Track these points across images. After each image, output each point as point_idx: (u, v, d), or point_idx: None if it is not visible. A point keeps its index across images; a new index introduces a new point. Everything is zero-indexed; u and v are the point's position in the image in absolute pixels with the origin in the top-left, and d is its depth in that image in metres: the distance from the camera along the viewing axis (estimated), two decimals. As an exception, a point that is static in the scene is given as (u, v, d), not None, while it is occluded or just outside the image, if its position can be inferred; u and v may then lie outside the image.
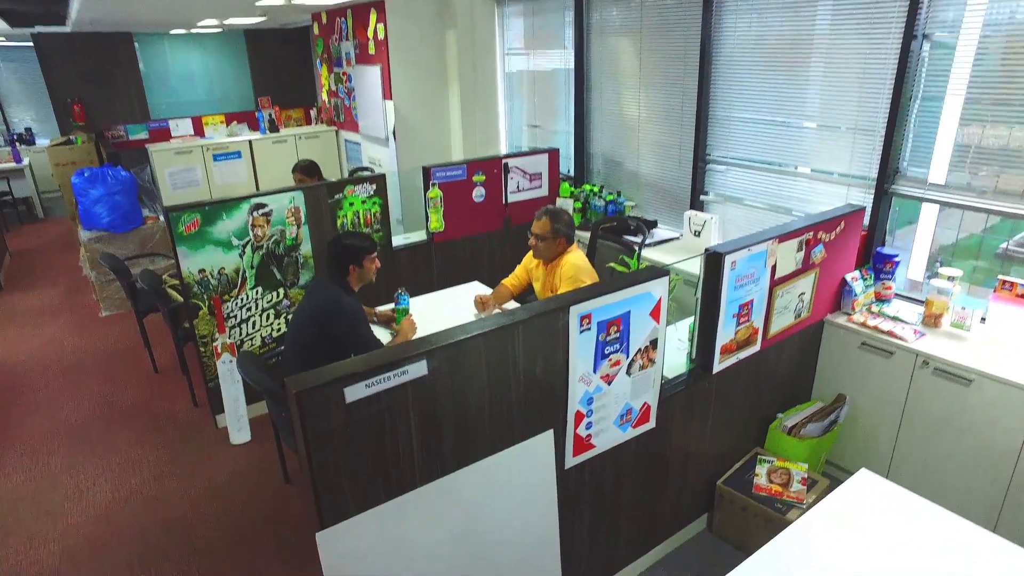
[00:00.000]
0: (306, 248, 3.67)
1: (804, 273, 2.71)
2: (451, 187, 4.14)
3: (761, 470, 2.74)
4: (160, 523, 2.97)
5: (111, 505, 3.09)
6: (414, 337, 2.93)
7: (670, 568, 2.64)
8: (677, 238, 4.12)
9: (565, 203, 4.56)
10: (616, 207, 4.45)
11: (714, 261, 2.34)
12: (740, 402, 2.74)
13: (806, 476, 2.69)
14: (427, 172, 4.03)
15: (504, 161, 4.36)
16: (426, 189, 4.07)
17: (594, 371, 2.03)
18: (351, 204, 3.77)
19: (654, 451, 2.40)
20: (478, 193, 4.29)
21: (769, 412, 2.94)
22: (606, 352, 2.04)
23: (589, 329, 1.95)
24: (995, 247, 2.89)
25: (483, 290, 3.48)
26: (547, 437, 2.01)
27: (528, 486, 2.02)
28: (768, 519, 2.56)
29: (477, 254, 4.46)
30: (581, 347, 1.96)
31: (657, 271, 2.11)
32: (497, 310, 3.21)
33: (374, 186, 3.82)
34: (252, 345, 3.62)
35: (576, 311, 1.89)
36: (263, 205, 3.45)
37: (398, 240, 4.19)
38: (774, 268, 2.56)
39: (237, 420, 3.52)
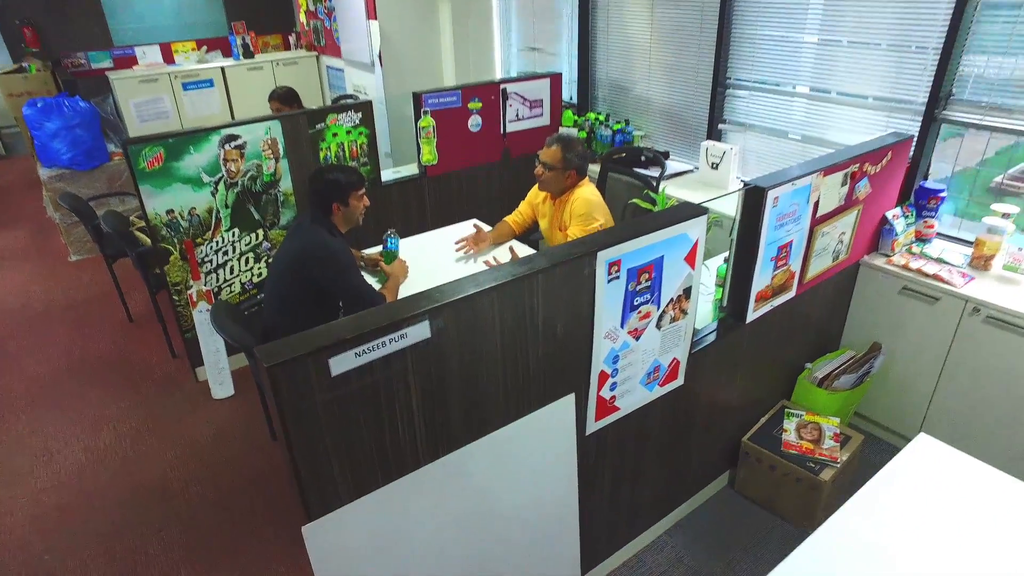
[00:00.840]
0: (286, 184, 3.31)
1: (847, 210, 2.41)
2: (444, 116, 3.75)
3: (789, 425, 2.53)
4: (137, 487, 2.74)
5: (83, 468, 2.85)
6: (405, 280, 2.65)
7: (692, 530, 2.46)
8: (692, 171, 3.78)
9: (568, 132, 4.17)
10: (625, 137, 4.09)
11: (754, 197, 2.03)
12: (770, 353, 2.49)
13: (838, 432, 2.48)
14: (418, 99, 3.63)
15: (502, 86, 3.95)
16: (417, 118, 3.67)
17: (621, 325, 1.75)
18: (334, 135, 3.39)
19: (680, 410, 2.16)
20: (474, 122, 3.90)
21: (797, 362, 2.70)
22: (635, 303, 1.75)
23: (618, 278, 1.66)
24: (1055, 179, 2.60)
25: (482, 229, 3.17)
26: (568, 402, 1.75)
27: (545, 457, 1.78)
28: (798, 478, 2.36)
29: (474, 189, 4.11)
30: (608, 298, 1.67)
31: (695, 208, 1.80)
32: (494, 252, 2.90)
33: (359, 114, 3.43)
34: (231, 292, 3.32)
35: (604, 257, 1.60)
36: (235, 137, 3.07)
37: (387, 175, 3.83)
38: (816, 205, 2.26)
39: (218, 373, 3.25)
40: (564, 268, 1.53)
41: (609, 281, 1.64)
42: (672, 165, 3.84)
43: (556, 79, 4.18)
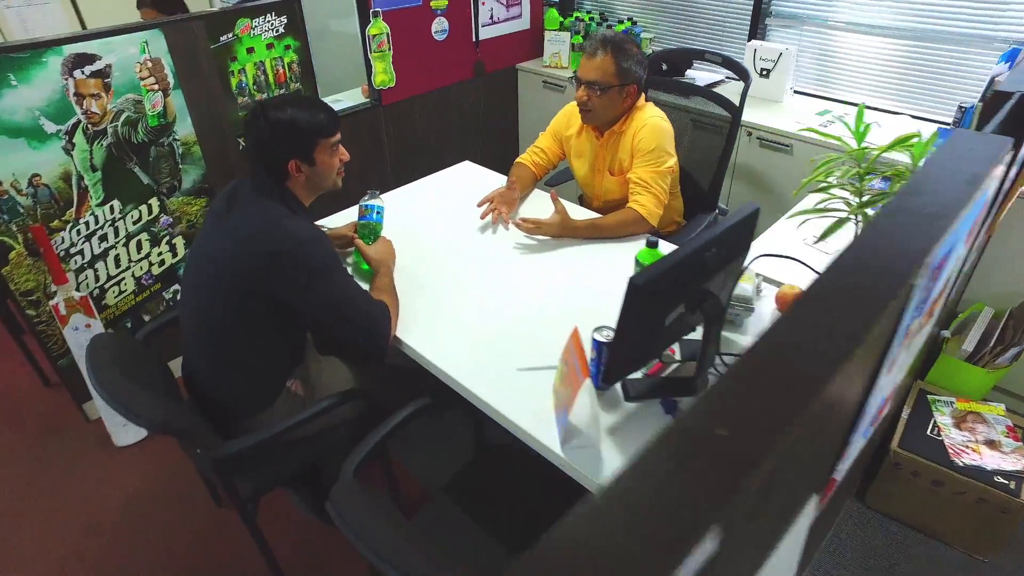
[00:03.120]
0: (184, 128, 2.23)
1: None
2: (400, 20, 2.71)
3: (943, 419, 1.90)
4: (15, 615, 1.79)
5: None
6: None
7: (830, 557, 1.82)
8: (723, 81, 2.97)
9: (559, 37, 3.23)
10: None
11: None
12: (926, 330, 1.82)
13: (1012, 424, 1.88)
14: None
15: (470, -24, 2.95)
16: (365, 24, 2.62)
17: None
18: (249, 51, 2.31)
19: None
20: (439, 27, 2.88)
21: (933, 330, 2.06)
22: (910, 322, 0.98)
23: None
24: None
25: (484, 177, 2.25)
26: (808, 508, 0.98)
27: None
28: (982, 498, 1.74)
29: (443, 118, 3.14)
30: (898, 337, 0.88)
31: (996, 141, 1.01)
32: (520, 210, 2.03)
33: (284, 19, 2.35)
34: (121, 294, 2.27)
35: (930, 263, 0.79)
36: (92, 58, 1.96)
37: (336, 105, 2.78)
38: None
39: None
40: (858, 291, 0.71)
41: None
42: (694, 75, 3.01)
43: (531, -35, 3.20)
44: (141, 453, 2.27)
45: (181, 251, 2.38)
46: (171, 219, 2.31)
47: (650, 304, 1.13)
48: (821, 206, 1.46)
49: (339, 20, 2.96)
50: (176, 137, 2.23)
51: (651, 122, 1.88)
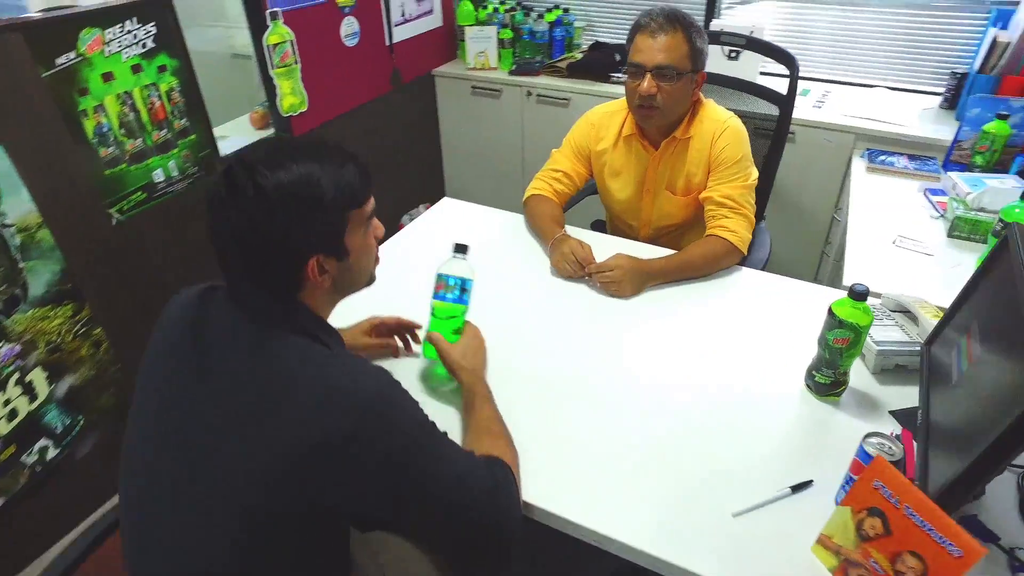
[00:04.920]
0: (19, 205, 1.44)
1: None
2: (303, 23, 2.05)
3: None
4: None
5: None
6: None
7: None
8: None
9: (483, 34, 2.72)
10: (566, 32, 2.77)
11: None
12: None
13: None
14: None
15: (379, -37, 2.34)
16: (261, 30, 1.93)
17: None
18: (106, 79, 1.55)
19: None
20: (349, 30, 2.25)
21: None
22: None
23: None
24: None
25: (485, 216, 1.69)
26: None
27: None
28: None
29: (365, 144, 2.50)
30: None
31: None
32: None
33: (151, 28, 1.61)
34: (-50, 481, 1.41)
35: None
36: None
37: (224, 145, 2.04)
38: None
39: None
40: None
41: None
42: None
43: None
44: None
45: (43, 390, 1.56)
46: (17, 347, 1.49)
47: None
48: None
49: (201, 30, 2.21)
50: (5, 221, 1.42)
51: (732, 124, 1.46)
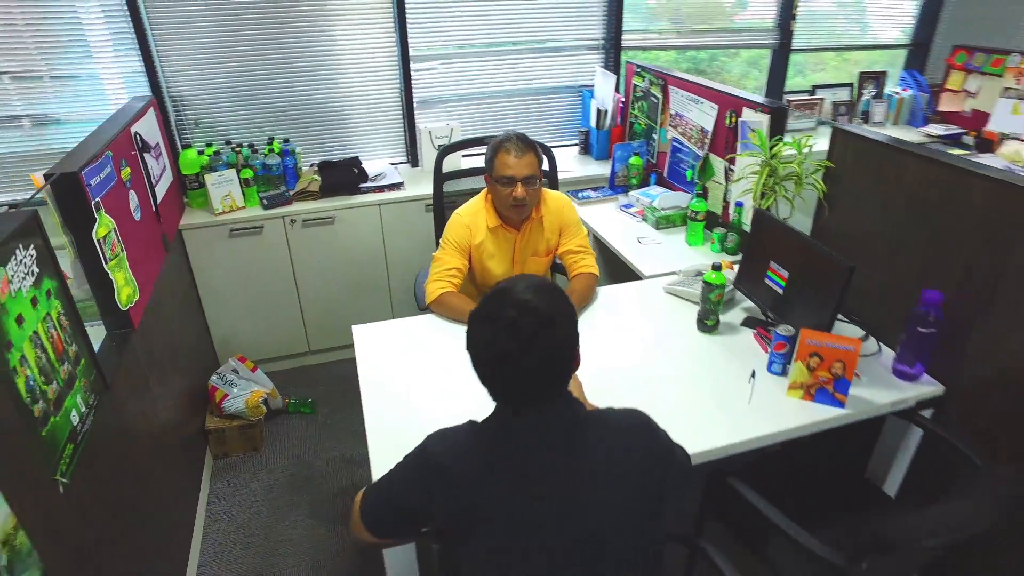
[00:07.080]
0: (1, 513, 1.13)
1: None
2: (112, 205, 1.87)
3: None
4: None
5: None
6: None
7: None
8: (401, 184, 3.01)
9: (224, 178, 2.73)
10: (293, 160, 2.98)
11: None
12: None
13: None
14: (75, 182, 1.66)
15: (133, 130, 2.20)
16: (85, 226, 1.71)
17: None
18: (19, 323, 1.29)
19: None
20: (134, 203, 2.09)
21: None
22: None
23: None
24: None
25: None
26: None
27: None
28: None
29: (175, 322, 2.30)
30: None
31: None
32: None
33: (32, 250, 1.37)
34: None
35: None
36: None
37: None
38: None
39: None
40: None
41: None
42: (383, 174, 3.09)
43: (155, 104, 2.58)
44: None
45: None
46: None
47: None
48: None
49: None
50: (-22, 539, 1.11)
51: (565, 197, 2.14)
